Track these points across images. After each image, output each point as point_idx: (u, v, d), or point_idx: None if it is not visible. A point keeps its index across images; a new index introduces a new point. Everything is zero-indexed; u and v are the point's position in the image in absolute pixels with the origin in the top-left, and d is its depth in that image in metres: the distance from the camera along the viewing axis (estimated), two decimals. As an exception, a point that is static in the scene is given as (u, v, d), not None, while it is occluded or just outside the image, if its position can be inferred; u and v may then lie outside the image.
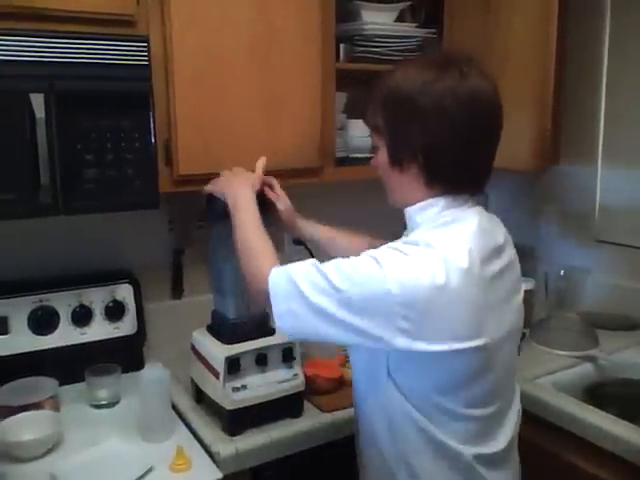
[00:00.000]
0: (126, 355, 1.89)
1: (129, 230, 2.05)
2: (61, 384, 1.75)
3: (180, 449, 1.49)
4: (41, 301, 1.81)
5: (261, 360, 1.62)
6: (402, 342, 1.15)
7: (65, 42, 1.50)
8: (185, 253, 2.16)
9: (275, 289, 1.25)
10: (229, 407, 1.57)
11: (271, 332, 1.68)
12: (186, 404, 1.75)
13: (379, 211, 1.44)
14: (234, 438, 1.57)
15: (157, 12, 1.66)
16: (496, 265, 1.24)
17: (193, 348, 1.73)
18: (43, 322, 1.80)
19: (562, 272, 2.19)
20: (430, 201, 1.25)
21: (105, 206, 1.63)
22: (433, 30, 2.22)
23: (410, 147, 1.22)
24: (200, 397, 1.74)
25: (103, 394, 1.77)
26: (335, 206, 2.29)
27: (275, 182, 1.64)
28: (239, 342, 1.62)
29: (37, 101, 1.47)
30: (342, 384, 1.79)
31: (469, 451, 1.24)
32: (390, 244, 1.22)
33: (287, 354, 1.65)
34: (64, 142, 1.52)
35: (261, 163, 1.62)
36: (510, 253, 1.32)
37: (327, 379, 1.78)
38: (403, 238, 1.28)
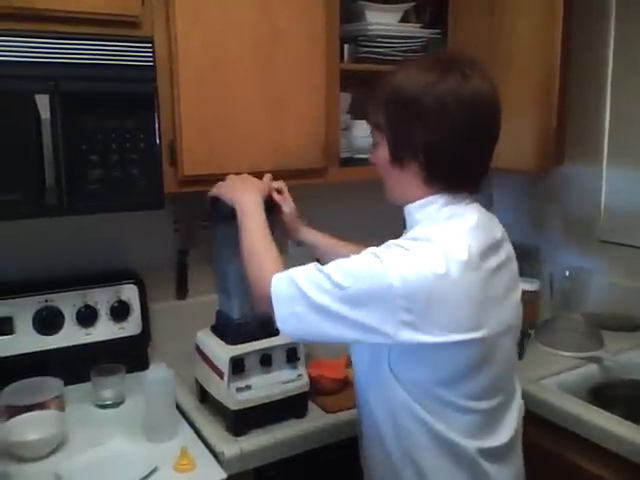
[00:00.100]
0: (131, 355, 1.89)
1: (134, 231, 2.06)
2: (66, 384, 1.75)
3: (184, 449, 1.49)
4: (46, 301, 1.82)
5: (265, 360, 1.62)
6: (406, 335, 1.16)
7: (70, 43, 1.51)
8: (190, 253, 2.17)
9: (277, 293, 1.26)
10: (233, 407, 1.58)
11: (275, 332, 1.67)
12: (190, 404, 1.75)
13: (383, 211, 1.44)
14: (238, 438, 1.57)
15: (162, 13, 1.67)
16: (494, 261, 1.25)
17: (197, 348, 1.74)
18: (48, 322, 1.81)
19: (567, 273, 2.19)
20: (430, 198, 1.27)
21: (110, 206, 1.64)
22: (437, 31, 2.23)
23: (411, 146, 1.24)
24: (204, 397, 1.74)
25: (108, 394, 1.77)
26: (339, 207, 2.29)
27: (284, 187, 1.65)
28: (243, 342, 1.62)
29: (42, 102, 1.47)
30: (347, 385, 1.79)
31: (472, 445, 1.26)
32: (390, 241, 1.24)
33: (291, 354, 1.65)
34: (69, 143, 1.52)
35: (268, 175, 1.63)
36: (507, 249, 1.34)
37: (332, 380, 1.78)
38: (403, 236, 1.29)
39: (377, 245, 1.24)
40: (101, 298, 1.89)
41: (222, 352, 1.61)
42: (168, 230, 2.12)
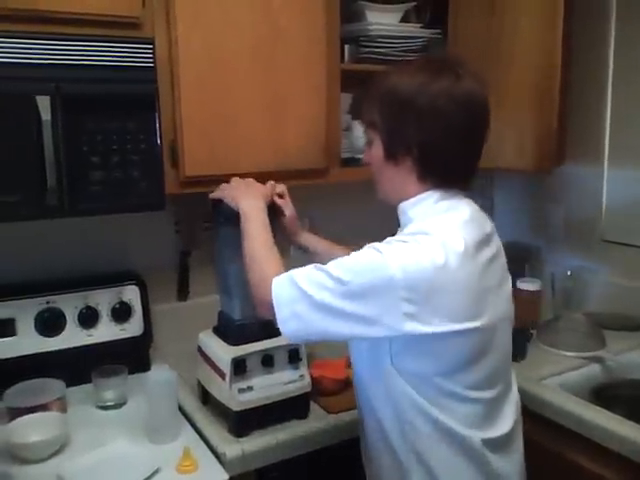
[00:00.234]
0: (132, 356, 1.89)
1: (135, 232, 2.06)
2: (68, 386, 1.75)
3: (187, 450, 1.49)
4: (48, 303, 1.82)
5: (267, 361, 1.62)
6: (409, 327, 1.18)
7: (71, 44, 1.51)
8: (191, 255, 2.17)
9: (278, 295, 1.27)
10: (235, 408, 1.58)
11: (277, 333, 1.66)
12: (192, 405, 1.75)
13: (384, 212, 1.44)
14: (240, 439, 1.57)
15: (162, 14, 1.67)
16: (487, 252, 1.29)
17: (199, 349, 1.74)
18: (50, 324, 1.81)
19: (569, 273, 2.19)
20: (425, 194, 1.31)
21: (111, 208, 1.64)
22: (438, 31, 2.22)
23: (406, 141, 1.27)
24: (206, 398, 1.74)
25: (110, 395, 1.77)
26: (340, 207, 2.29)
27: (285, 191, 1.65)
28: (245, 343, 1.62)
29: (43, 103, 1.47)
30: (348, 385, 1.78)
31: (477, 436, 1.28)
32: (388, 238, 1.26)
33: (293, 355, 1.65)
34: (70, 144, 1.52)
35: (271, 182, 1.63)
36: (497, 243, 1.37)
37: (333, 380, 1.77)
38: (398, 234, 1.31)
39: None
40: (102, 299, 1.89)
41: (224, 353, 1.61)
42: (169, 231, 2.12)
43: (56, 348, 1.82)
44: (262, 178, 1.62)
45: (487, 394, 1.30)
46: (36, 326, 1.80)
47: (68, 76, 1.50)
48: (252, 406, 1.59)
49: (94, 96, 1.55)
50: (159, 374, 1.61)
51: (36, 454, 1.51)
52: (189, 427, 1.66)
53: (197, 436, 1.62)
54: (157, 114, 1.63)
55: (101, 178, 1.57)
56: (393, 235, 1.29)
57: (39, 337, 1.80)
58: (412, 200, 1.32)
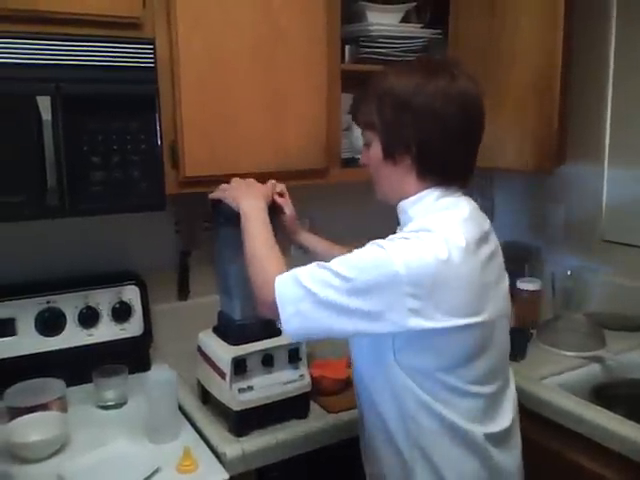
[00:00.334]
0: (133, 356, 1.89)
1: (135, 232, 2.06)
2: (68, 385, 1.75)
3: (187, 450, 1.49)
4: (48, 303, 1.82)
5: (267, 361, 1.62)
6: (413, 322, 1.19)
7: (71, 45, 1.51)
8: (191, 255, 2.17)
9: (282, 294, 1.27)
10: (235, 408, 1.58)
11: (277, 333, 1.68)
12: (192, 405, 1.75)
13: (384, 212, 1.44)
14: (240, 439, 1.58)
15: (163, 15, 1.67)
16: (487, 249, 1.31)
17: (199, 349, 1.74)
18: (50, 324, 1.81)
19: (569, 273, 2.19)
20: (424, 192, 1.32)
21: (111, 208, 1.64)
22: (439, 31, 2.22)
23: (404, 140, 1.29)
24: (206, 398, 1.74)
25: (110, 395, 1.77)
26: (340, 207, 2.29)
27: (285, 190, 1.65)
28: (245, 343, 1.62)
29: (44, 104, 1.47)
30: (348, 385, 1.79)
31: (479, 430, 1.29)
32: (390, 236, 1.27)
33: (293, 355, 1.66)
34: (70, 144, 1.52)
35: (272, 181, 1.63)
36: (495, 241, 1.38)
37: (333, 380, 1.78)
38: (398, 233, 1.32)
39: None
40: (103, 299, 1.89)
41: (224, 353, 1.61)
42: (169, 231, 2.12)
43: (56, 348, 1.82)
44: (262, 178, 1.62)
45: (487, 389, 1.31)
46: (36, 326, 1.80)
47: (69, 76, 1.51)
48: (252, 406, 1.59)
49: (94, 96, 1.55)
50: (159, 374, 1.61)
51: (36, 454, 1.51)
52: (189, 427, 1.67)
53: (197, 436, 1.62)
54: (157, 114, 1.63)
55: (101, 178, 1.58)
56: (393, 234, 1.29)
57: (39, 337, 1.80)
58: (412, 198, 1.33)
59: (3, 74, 1.44)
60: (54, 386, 1.71)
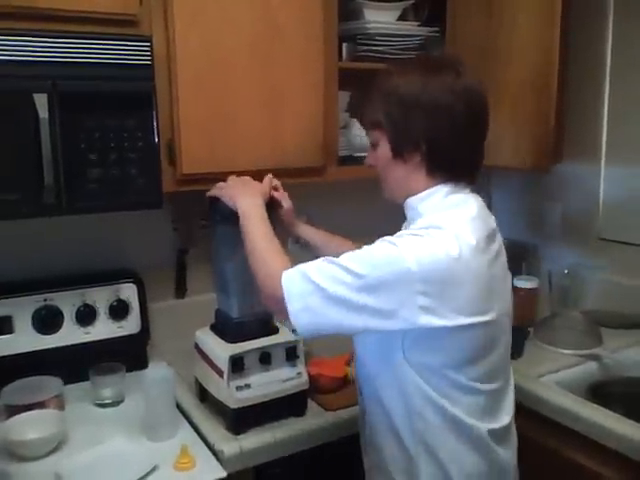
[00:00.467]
0: (130, 354, 1.89)
1: (133, 230, 2.06)
2: (65, 383, 1.75)
3: (184, 448, 1.49)
4: (45, 300, 1.82)
5: (265, 359, 1.62)
6: (423, 320, 1.19)
7: (68, 42, 1.50)
8: (189, 252, 2.17)
9: (289, 289, 1.26)
10: (233, 406, 1.58)
11: (275, 331, 1.68)
12: (190, 403, 1.75)
13: (381, 210, 1.45)
14: (238, 437, 1.58)
15: (160, 12, 1.67)
16: (494, 247, 1.31)
17: (197, 347, 1.74)
18: (47, 321, 1.81)
19: (566, 271, 2.19)
20: (434, 189, 1.32)
21: (109, 206, 1.64)
22: (436, 29, 2.22)
23: (413, 137, 1.29)
24: (204, 396, 1.74)
25: (107, 393, 1.77)
26: (338, 205, 2.29)
27: (279, 184, 1.65)
28: (243, 341, 1.62)
29: (40, 101, 1.47)
30: (346, 383, 1.79)
31: (483, 426, 1.31)
32: (400, 232, 1.28)
33: (291, 353, 1.66)
34: (67, 142, 1.52)
35: (269, 176, 1.63)
36: (500, 239, 1.39)
37: (331, 378, 1.78)
38: (403, 230, 1.33)
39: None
40: (100, 297, 1.89)
41: (221, 351, 1.61)
42: (167, 229, 2.12)
43: (53, 346, 1.82)
44: (260, 176, 1.62)
45: (490, 386, 1.32)
46: (34, 324, 1.80)
47: (65, 74, 1.50)
48: (250, 403, 1.59)
49: (91, 94, 1.55)
50: (156, 372, 1.61)
51: (34, 451, 1.51)
52: (187, 424, 1.66)
53: (195, 433, 1.62)
54: (155, 112, 1.63)
55: (98, 176, 1.57)
56: (393, 233, 1.29)
57: (37, 335, 1.80)
58: (421, 195, 1.33)
59: (0, 72, 1.44)
60: (51, 384, 1.71)
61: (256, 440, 1.57)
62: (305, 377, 1.68)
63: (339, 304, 1.22)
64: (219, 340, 1.67)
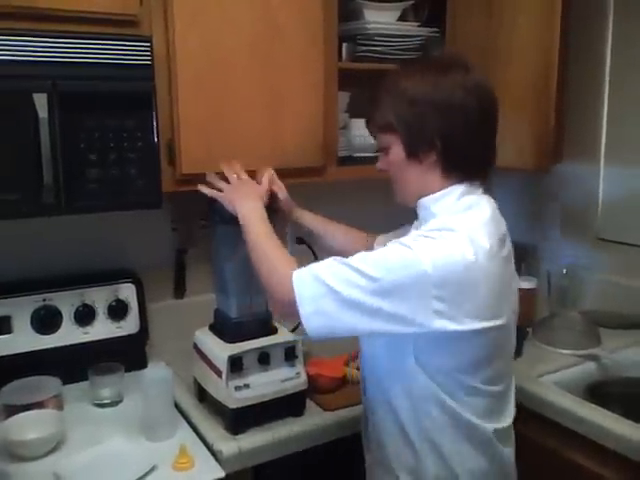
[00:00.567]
0: (129, 354, 1.89)
1: (132, 230, 2.05)
2: (64, 383, 1.75)
3: (183, 448, 1.49)
4: (44, 300, 1.82)
5: (264, 359, 1.62)
6: (438, 324, 1.19)
7: (68, 42, 1.50)
8: (188, 252, 2.17)
9: (301, 292, 1.25)
10: (232, 406, 1.58)
11: (274, 331, 1.68)
12: (189, 403, 1.75)
13: (381, 210, 1.45)
14: (237, 437, 1.58)
15: (160, 12, 1.66)
16: (505, 251, 1.31)
17: (196, 347, 1.74)
18: (46, 321, 1.81)
19: (564, 271, 2.19)
20: (448, 190, 1.31)
21: (108, 206, 1.63)
22: (436, 29, 2.22)
23: (428, 136, 1.28)
24: (203, 396, 1.74)
25: (106, 393, 1.77)
26: (337, 205, 2.29)
27: (275, 176, 1.64)
28: (242, 341, 1.62)
29: (40, 101, 1.47)
30: (344, 383, 1.80)
31: (489, 426, 1.32)
32: (412, 233, 1.28)
33: (289, 353, 1.65)
34: (67, 142, 1.52)
35: (267, 175, 1.62)
36: (510, 242, 1.39)
37: (329, 378, 1.78)
38: (413, 231, 1.32)
39: (372, 236, 1.24)
40: (99, 297, 1.89)
41: (220, 351, 1.61)
42: (166, 229, 2.12)
43: (52, 346, 1.82)
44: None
45: (497, 388, 1.34)
46: (32, 324, 1.79)
47: (65, 74, 1.50)
48: (248, 403, 1.59)
49: (91, 94, 1.55)
50: (155, 372, 1.61)
51: (32, 452, 1.51)
52: (185, 424, 1.66)
53: (193, 434, 1.62)
54: (154, 112, 1.63)
55: (98, 176, 1.57)
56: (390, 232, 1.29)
57: (35, 335, 1.80)
58: (435, 195, 1.32)
59: (0, 72, 1.44)
60: (50, 384, 1.71)
61: (255, 440, 1.57)
62: (304, 377, 1.68)
63: (353, 308, 1.20)
64: (218, 340, 1.67)
